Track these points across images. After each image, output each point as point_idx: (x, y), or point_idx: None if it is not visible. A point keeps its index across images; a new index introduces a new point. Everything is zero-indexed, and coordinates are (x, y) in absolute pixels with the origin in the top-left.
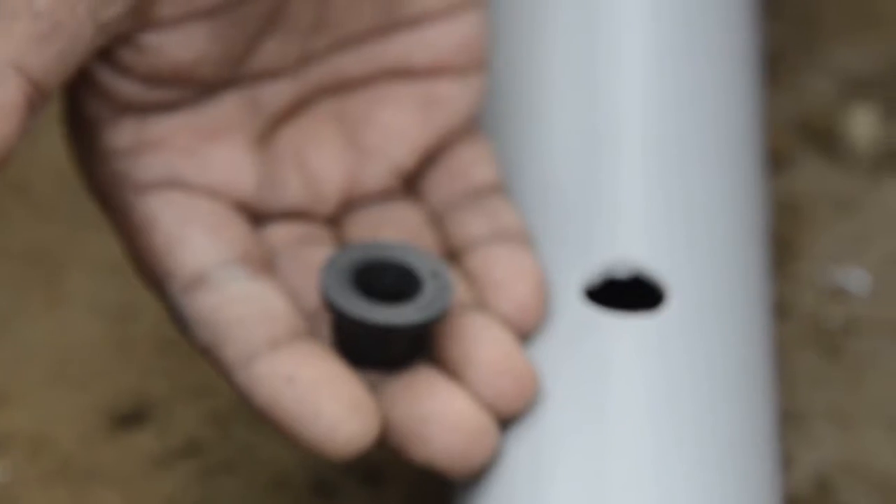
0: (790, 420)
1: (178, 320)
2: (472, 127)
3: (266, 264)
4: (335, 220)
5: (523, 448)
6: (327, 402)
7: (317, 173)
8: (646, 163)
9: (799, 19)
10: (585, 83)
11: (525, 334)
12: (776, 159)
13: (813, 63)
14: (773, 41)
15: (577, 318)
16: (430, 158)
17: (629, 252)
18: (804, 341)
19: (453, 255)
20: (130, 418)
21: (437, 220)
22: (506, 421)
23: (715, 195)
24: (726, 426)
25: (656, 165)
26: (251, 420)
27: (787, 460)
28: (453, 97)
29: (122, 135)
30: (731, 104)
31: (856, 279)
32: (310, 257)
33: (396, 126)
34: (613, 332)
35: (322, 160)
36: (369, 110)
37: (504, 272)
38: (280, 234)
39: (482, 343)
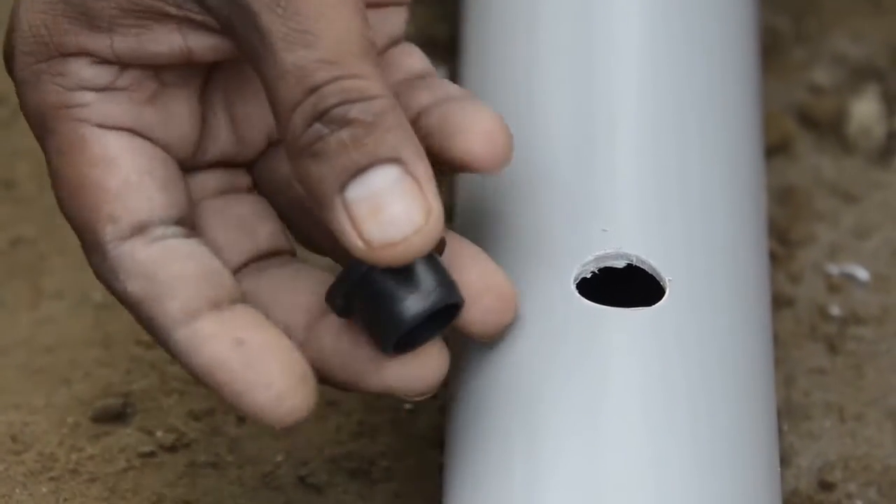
0: (789, 414)
1: (105, 268)
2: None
3: (196, 225)
4: (257, 159)
5: (518, 445)
6: (278, 370)
7: (244, 119)
8: (642, 154)
9: (798, 6)
10: (581, 72)
11: (498, 166)
12: (775, 148)
13: (813, 51)
14: (773, 28)
15: (572, 312)
16: None
17: (625, 245)
18: (803, 334)
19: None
20: (115, 414)
21: None
22: (493, 338)
23: (713, 186)
24: (724, 421)
25: (652, 156)
26: (238, 415)
27: (786, 454)
28: (377, 26)
29: (101, 75)
30: (729, 92)
31: (856, 270)
32: (234, 210)
33: None
34: (608, 326)
35: (249, 105)
36: None
37: (464, 116)
38: (205, 184)
39: (464, 267)
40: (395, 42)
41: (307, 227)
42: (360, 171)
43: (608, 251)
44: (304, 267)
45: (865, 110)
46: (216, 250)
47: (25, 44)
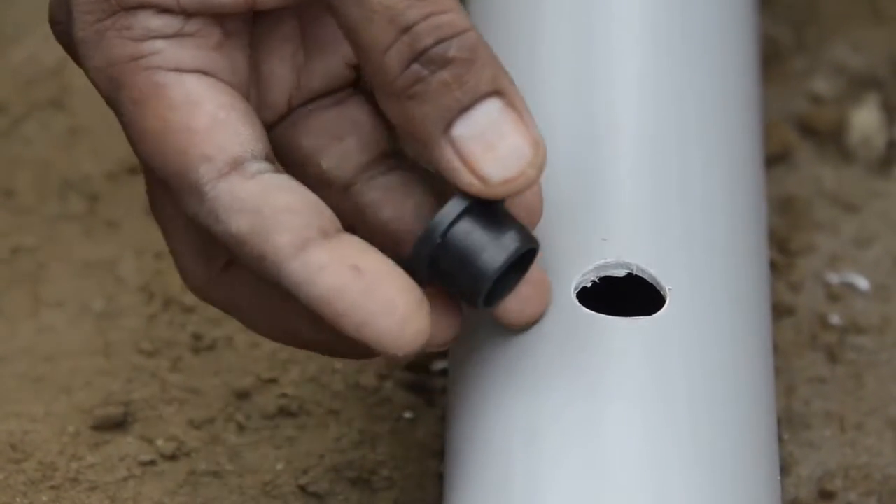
0: (790, 423)
1: (204, 211)
2: None
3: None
4: (275, 125)
5: (518, 453)
6: (399, 295)
7: (268, 79)
8: (642, 162)
9: (799, 16)
10: (581, 82)
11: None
12: (776, 157)
13: (813, 60)
14: (773, 38)
15: (572, 321)
16: None
17: (625, 254)
18: (804, 343)
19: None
20: (115, 422)
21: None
22: (528, 326)
23: (713, 194)
24: (724, 429)
25: (653, 165)
26: (238, 424)
27: (786, 463)
28: None
29: (169, 24)
30: (729, 102)
31: (856, 280)
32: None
33: None
34: (609, 335)
35: (275, 65)
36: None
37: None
38: None
39: None
40: None
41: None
42: (464, 109)
43: (608, 260)
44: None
45: (865, 120)
46: None
47: (84, 4)
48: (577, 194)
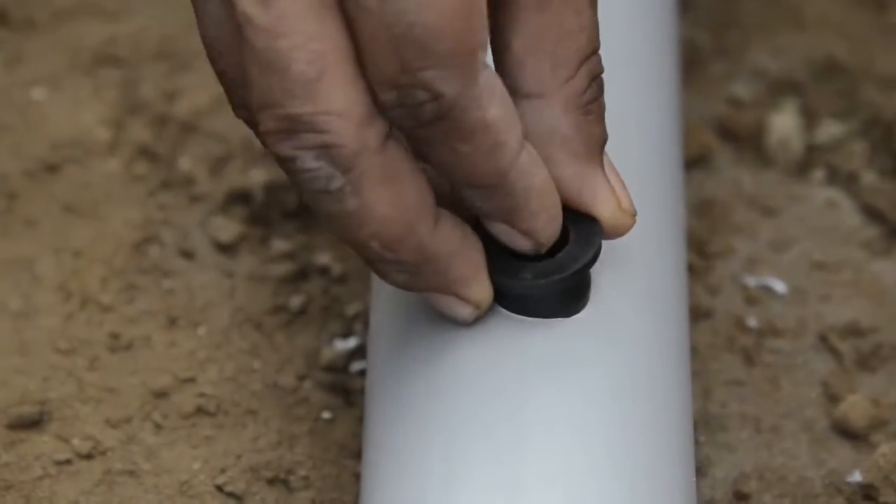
0: (706, 425)
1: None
2: None
3: None
4: None
5: (436, 454)
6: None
7: None
8: None
9: (718, 20)
10: None
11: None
12: (695, 160)
13: (733, 64)
14: (693, 42)
15: (492, 322)
16: None
17: None
18: (721, 345)
19: None
20: (31, 421)
21: None
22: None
23: (633, 197)
24: (640, 431)
25: None
26: (155, 423)
27: (703, 465)
28: None
29: None
30: (649, 105)
31: (773, 283)
32: None
33: None
34: (527, 336)
35: None
36: None
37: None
38: None
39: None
40: None
41: None
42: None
43: None
44: None
45: (784, 124)
46: None
47: None
48: None
